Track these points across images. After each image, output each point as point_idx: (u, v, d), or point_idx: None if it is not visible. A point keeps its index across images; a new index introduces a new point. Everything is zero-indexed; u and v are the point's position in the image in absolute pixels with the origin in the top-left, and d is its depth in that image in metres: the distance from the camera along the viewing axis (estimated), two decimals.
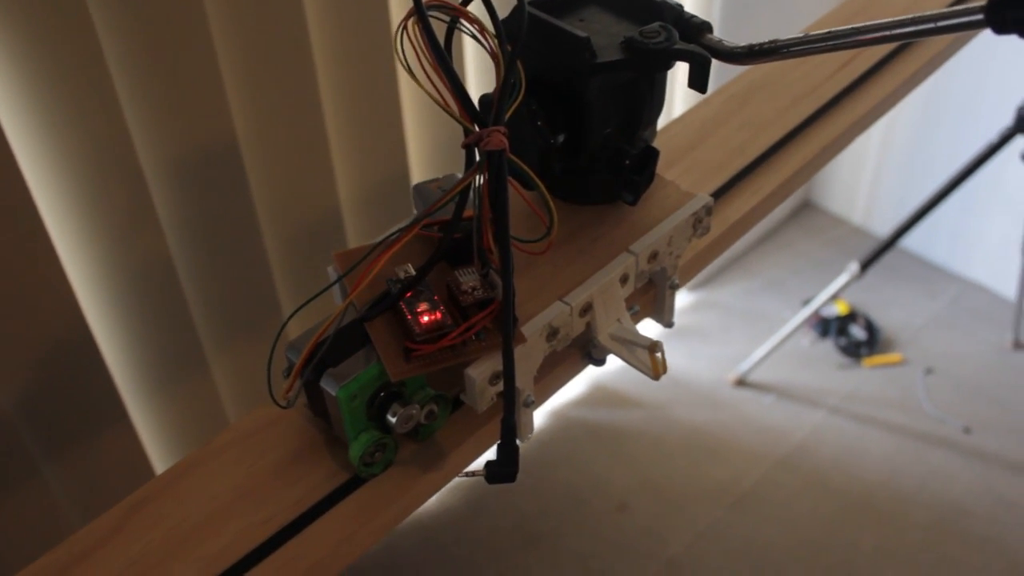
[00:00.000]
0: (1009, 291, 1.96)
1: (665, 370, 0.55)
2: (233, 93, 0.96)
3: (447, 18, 0.51)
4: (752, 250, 2.15)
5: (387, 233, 0.55)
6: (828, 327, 1.93)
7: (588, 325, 0.56)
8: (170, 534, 0.50)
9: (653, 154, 0.58)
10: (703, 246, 0.65)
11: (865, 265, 1.65)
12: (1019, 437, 1.75)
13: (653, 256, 0.57)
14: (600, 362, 0.59)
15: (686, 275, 0.63)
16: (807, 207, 2.24)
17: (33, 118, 0.84)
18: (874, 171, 2.08)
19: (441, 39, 0.48)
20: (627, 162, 0.57)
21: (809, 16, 1.86)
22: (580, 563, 1.57)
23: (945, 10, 0.44)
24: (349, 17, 1.03)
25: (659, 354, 0.54)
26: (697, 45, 0.53)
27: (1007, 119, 1.53)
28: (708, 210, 0.59)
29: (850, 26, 0.48)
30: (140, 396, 1.08)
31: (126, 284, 0.98)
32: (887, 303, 2.01)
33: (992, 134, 1.53)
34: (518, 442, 0.51)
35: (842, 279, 1.68)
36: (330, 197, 1.12)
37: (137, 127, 0.91)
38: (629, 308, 0.58)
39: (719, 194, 0.68)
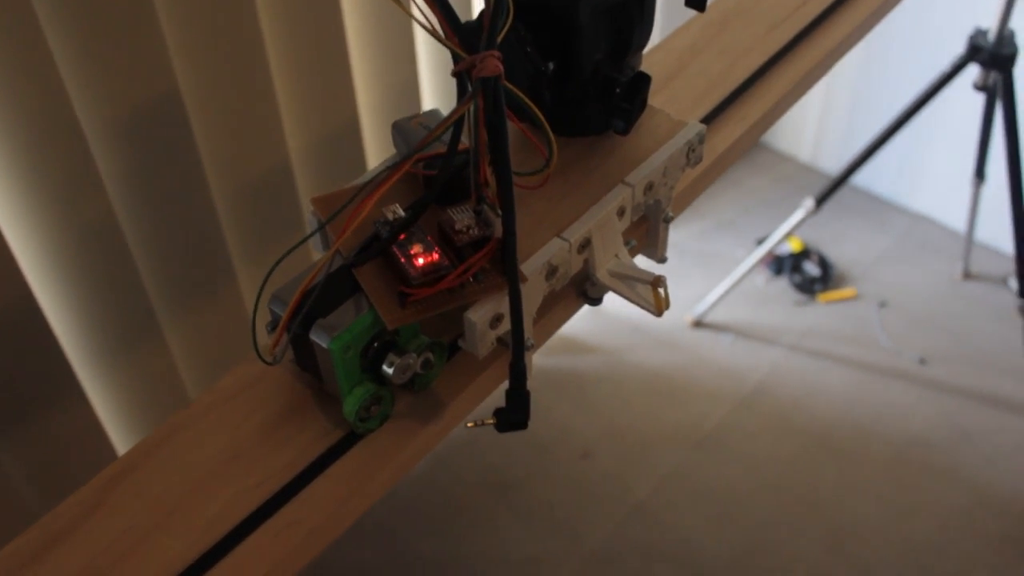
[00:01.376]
0: (957, 223, 1.98)
1: (668, 306, 0.52)
2: (174, 44, 0.91)
3: None
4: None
5: (370, 173, 0.52)
6: (782, 265, 1.93)
7: (586, 262, 0.53)
8: (156, 505, 0.46)
9: (645, 80, 0.55)
10: (693, 177, 0.62)
11: (820, 201, 1.64)
12: (974, 367, 1.77)
13: (649, 187, 0.55)
14: (597, 301, 0.56)
15: (677, 207, 0.61)
16: (755, 145, 2.24)
17: None
18: (821, 107, 2.08)
19: None
20: (618, 90, 0.54)
21: None
22: (547, 512, 1.56)
23: None
24: None
25: (662, 289, 0.52)
26: None
27: (951, 49, 1.52)
28: (701, 138, 0.57)
29: None
30: (92, 365, 1.03)
31: (71, 248, 0.94)
32: (839, 239, 2.01)
33: (935, 65, 1.53)
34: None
35: (797, 215, 1.67)
36: (279, 148, 1.08)
37: (74, 83, 0.86)
38: (626, 243, 0.55)
39: (704, 123, 0.65)
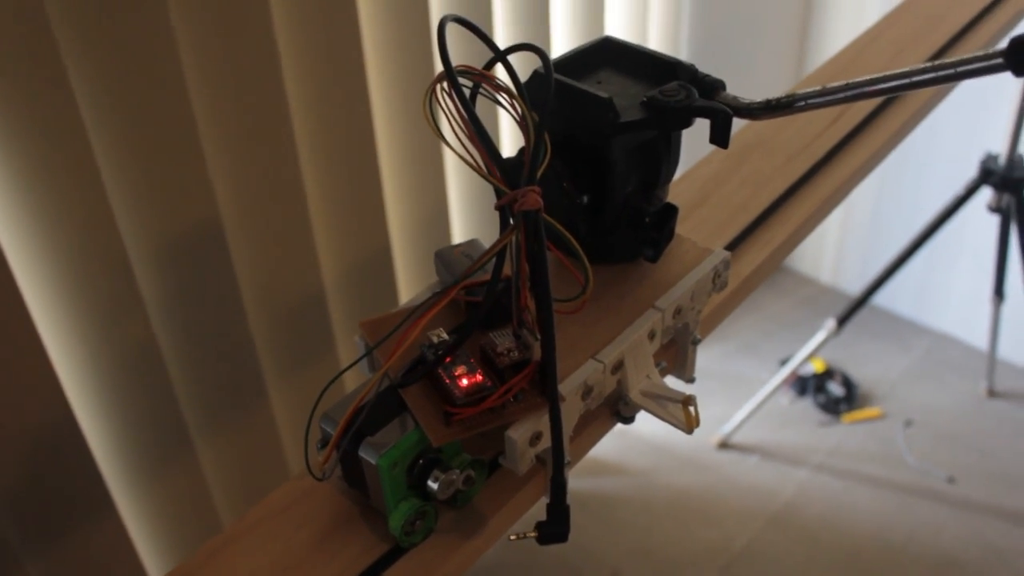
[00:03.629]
0: (979, 340, 1.99)
1: (698, 423, 0.55)
2: (217, 176, 0.95)
3: (470, 83, 0.51)
4: None
5: (417, 299, 0.55)
6: (806, 385, 1.94)
7: (619, 382, 0.55)
8: None
9: (672, 211, 0.58)
10: (719, 301, 0.65)
11: (842, 321, 1.67)
12: (1003, 484, 1.76)
13: (677, 311, 0.58)
14: (629, 420, 0.58)
15: (704, 330, 0.63)
16: (776, 269, 2.27)
17: (17, 203, 0.83)
18: (839, 229, 2.12)
19: None
20: (647, 220, 0.58)
21: (773, 52, 1.91)
22: None
23: (966, 57, 0.46)
24: (330, 96, 1.04)
25: (692, 408, 0.54)
26: (715, 102, 0.54)
27: (964, 171, 1.57)
28: (726, 264, 0.60)
29: (868, 76, 0.50)
30: (126, 484, 1.05)
31: (111, 369, 0.97)
32: (862, 359, 2.03)
33: (949, 187, 1.57)
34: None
35: (819, 336, 1.70)
36: (313, 276, 1.12)
37: (122, 212, 0.90)
38: (656, 364, 0.58)
39: (729, 250, 0.69)
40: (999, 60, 0.45)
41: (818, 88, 0.52)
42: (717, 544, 1.68)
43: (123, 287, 0.92)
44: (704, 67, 0.57)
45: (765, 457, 1.84)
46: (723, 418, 1.88)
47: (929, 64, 0.47)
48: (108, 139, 0.86)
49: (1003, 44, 0.44)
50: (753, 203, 0.73)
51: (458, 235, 1.32)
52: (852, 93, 0.50)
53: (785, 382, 1.86)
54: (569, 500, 0.52)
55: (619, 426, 0.59)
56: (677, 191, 0.74)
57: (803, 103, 0.52)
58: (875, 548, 1.67)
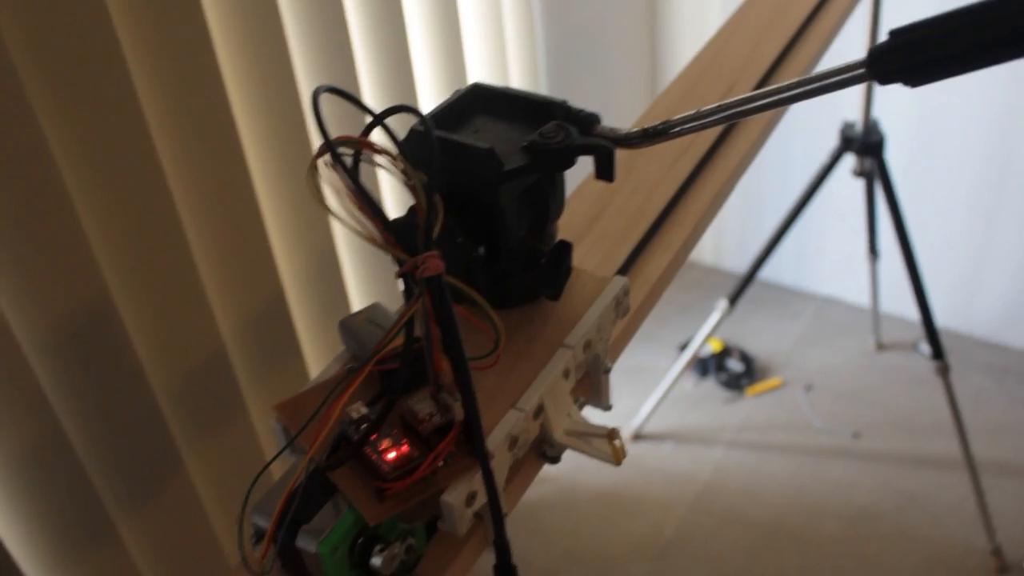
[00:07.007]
0: (861, 299, 2.07)
1: (625, 455, 0.55)
2: (101, 252, 0.93)
3: (351, 151, 0.51)
4: None
5: (327, 372, 0.54)
6: (707, 366, 1.99)
7: (542, 426, 0.56)
8: None
9: (566, 247, 0.59)
10: (627, 319, 0.66)
11: (733, 299, 1.71)
12: (904, 432, 1.83)
13: (587, 345, 0.58)
14: (556, 459, 0.59)
15: (615, 350, 0.64)
16: (681, 267, 2.32)
17: None
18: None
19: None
20: (543, 260, 0.58)
21: (623, 76, 1.95)
22: None
23: (829, 70, 0.47)
24: (204, 155, 1.02)
25: (617, 440, 0.55)
26: (594, 137, 0.55)
27: (825, 141, 1.62)
28: (626, 291, 0.61)
29: (738, 97, 0.51)
30: None
31: (17, 463, 0.93)
32: (755, 333, 2.08)
33: (813, 158, 1.63)
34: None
35: (714, 317, 1.73)
36: (212, 336, 1.10)
37: (9, 303, 0.87)
38: (574, 400, 0.58)
39: (633, 257, 0.70)
40: (862, 71, 0.46)
41: (692, 112, 0.53)
42: (646, 535, 1.70)
43: (20, 379, 0.89)
44: (564, 93, 0.57)
45: (679, 442, 1.87)
46: (632, 410, 1.91)
47: (796, 81, 0.49)
48: None
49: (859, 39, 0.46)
50: (648, 207, 0.74)
51: (347, 268, 1.31)
52: (725, 115, 0.51)
53: (687, 366, 1.90)
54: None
55: None
56: (571, 208, 0.75)
57: (678, 129, 0.53)
58: (796, 511, 1.72)
